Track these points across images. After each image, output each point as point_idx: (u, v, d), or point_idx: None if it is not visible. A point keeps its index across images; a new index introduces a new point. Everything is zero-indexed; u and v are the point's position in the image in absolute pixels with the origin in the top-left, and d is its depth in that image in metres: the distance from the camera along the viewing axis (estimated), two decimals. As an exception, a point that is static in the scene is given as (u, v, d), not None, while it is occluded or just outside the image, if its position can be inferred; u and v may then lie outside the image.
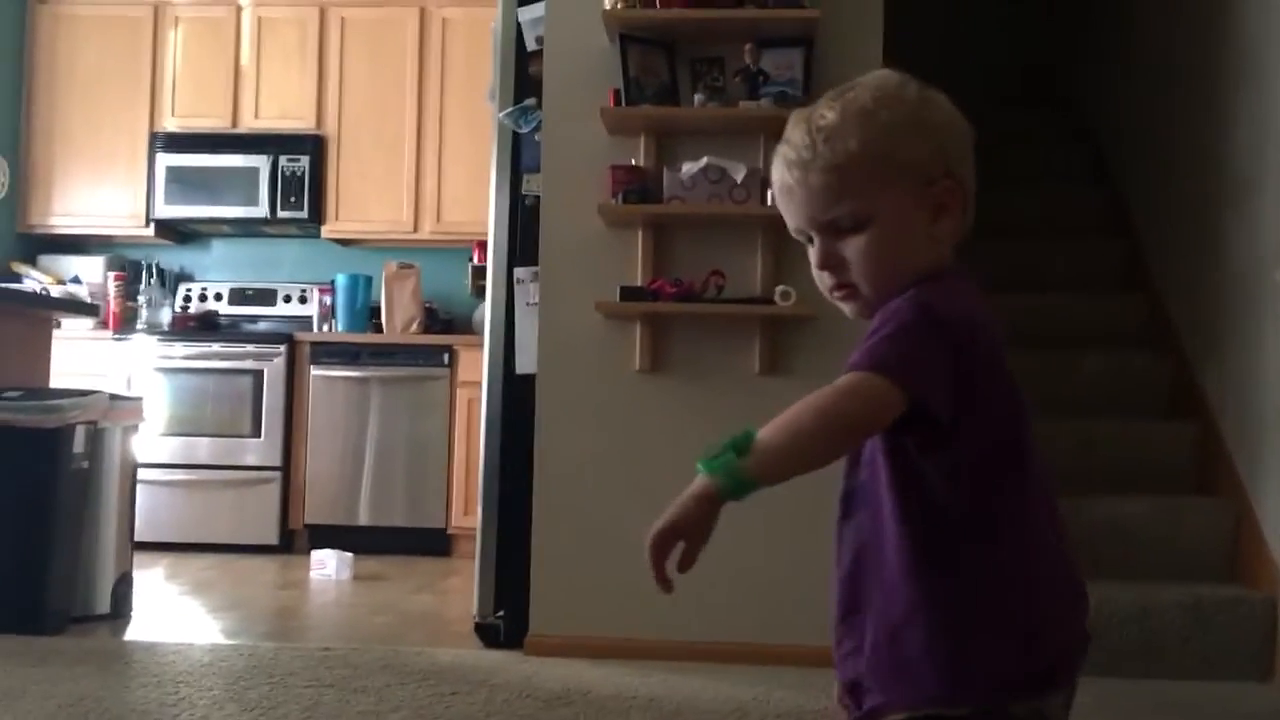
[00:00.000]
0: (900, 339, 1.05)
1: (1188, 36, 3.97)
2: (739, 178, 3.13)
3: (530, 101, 3.35)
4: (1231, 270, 3.50)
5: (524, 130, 3.37)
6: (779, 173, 1.15)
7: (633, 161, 3.20)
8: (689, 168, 3.14)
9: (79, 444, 3.38)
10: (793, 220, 1.17)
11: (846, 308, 1.17)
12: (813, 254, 1.16)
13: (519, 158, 3.40)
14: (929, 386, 1.04)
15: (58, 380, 4.03)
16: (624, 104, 3.17)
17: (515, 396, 3.34)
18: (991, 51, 5.51)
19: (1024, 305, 4.12)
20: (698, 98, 3.17)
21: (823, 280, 1.17)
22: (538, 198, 3.31)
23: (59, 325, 4.19)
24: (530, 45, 3.39)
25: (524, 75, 3.39)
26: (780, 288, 3.11)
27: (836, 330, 3.14)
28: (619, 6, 3.14)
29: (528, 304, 3.34)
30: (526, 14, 3.39)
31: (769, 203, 3.12)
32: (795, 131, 1.14)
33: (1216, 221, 3.63)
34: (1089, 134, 5.02)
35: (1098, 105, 5.03)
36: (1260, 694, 2.94)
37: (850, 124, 1.11)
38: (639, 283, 3.18)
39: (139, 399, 3.80)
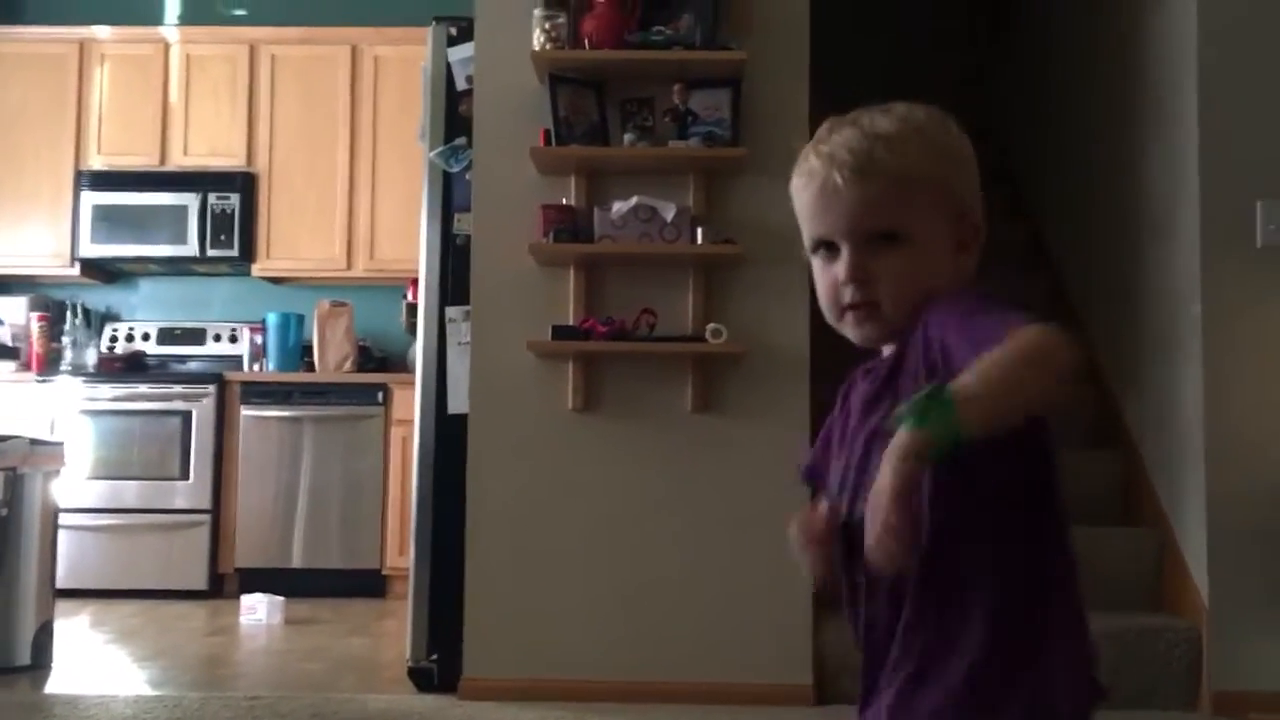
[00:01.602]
0: (991, 304, 1.03)
1: (1102, 77, 4.09)
2: (669, 216, 3.15)
3: (461, 141, 3.35)
4: (1149, 303, 3.59)
5: (454, 169, 3.37)
6: (821, 171, 1.10)
7: (563, 201, 3.21)
8: (619, 207, 3.15)
9: (-3, 491, 3.29)
10: (824, 225, 1.12)
11: (857, 330, 1.13)
12: (834, 267, 1.12)
13: (450, 196, 3.39)
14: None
15: (-24, 425, 3.93)
16: (554, 143, 3.18)
17: (448, 436, 3.31)
18: (915, 91, 5.61)
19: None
20: (627, 137, 3.19)
21: (843, 295, 1.11)
22: (469, 236, 3.31)
23: (-22, 368, 4.08)
24: (460, 85, 3.39)
25: (454, 114, 3.39)
26: (711, 325, 3.13)
27: (767, 368, 3.18)
28: (548, 47, 3.16)
29: (460, 343, 3.32)
30: (456, 54, 3.39)
31: (699, 240, 3.15)
32: (844, 133, 1.11)
33: (1134, 256, 3.72)
34: (1008, 171, 5.12)
35: (1018, 142, 5.14)
36: (1187, 721, 2.99)
37: (913, 139, 1.10)
38: (571, 321, 3.18)
39: (60, 443, 3.71)
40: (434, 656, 3.22)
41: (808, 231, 1.14)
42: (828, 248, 1.12)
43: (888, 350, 1.14)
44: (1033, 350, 0.96)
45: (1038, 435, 1.06)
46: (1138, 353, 3.69)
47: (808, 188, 1.12)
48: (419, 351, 3.43)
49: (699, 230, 3.15)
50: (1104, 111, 4.06)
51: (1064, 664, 1.07)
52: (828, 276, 1.13)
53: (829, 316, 1.15)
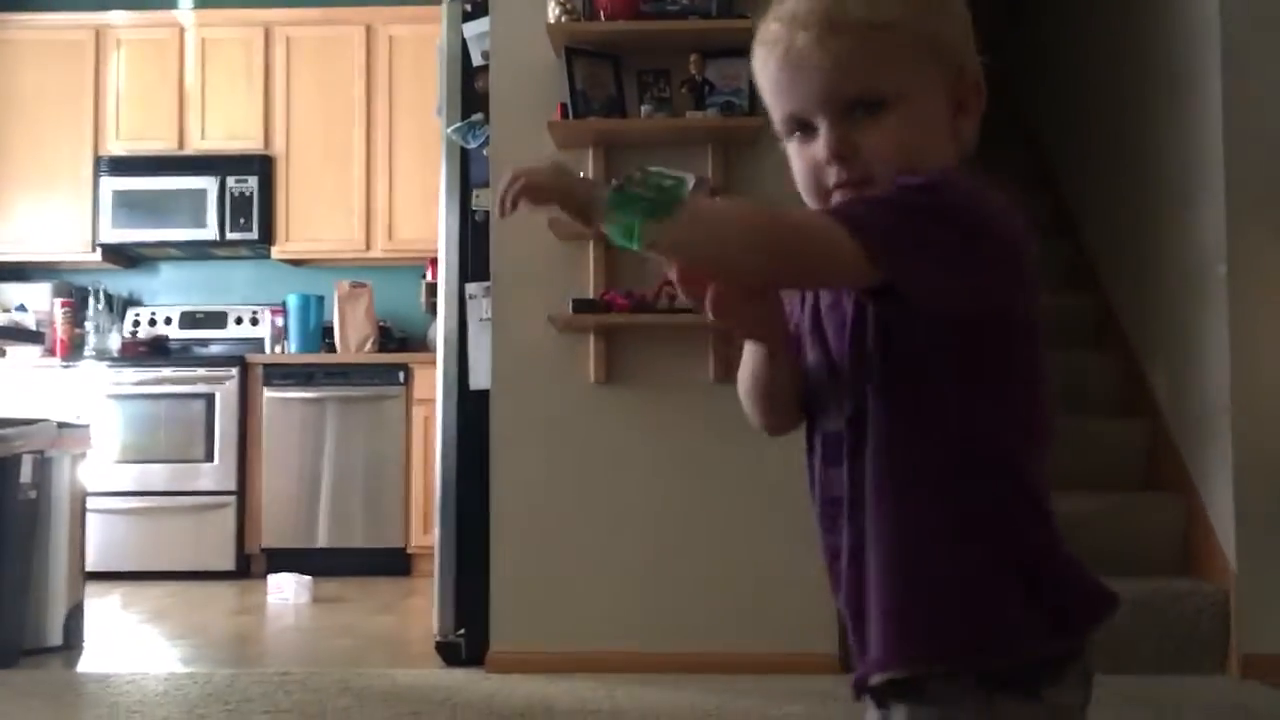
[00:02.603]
0: (903, 205, 0.88)
1: (1125, 40, 4.04)
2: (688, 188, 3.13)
3: (477, 117, 3.35)
4: (1175, 268, 3.56)
5: (472, 145, 3.36)
6: (784, 36, 0.95)
7: (581, 174, 3.20)
8: (638, 179, 3.13)
9: (26, 473, 3.32)
10: (794, 100, 0.96)
11: None
12: (812, 147, 0.97)
13: (468, 173, 3.39)
14: (911, 271, 0.87)
15: (4, 411, 3.96)
16: (571, 117, 3.17)
17: (471, 412, 3.32)
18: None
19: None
20: (645, 109, 3.18)
21: (826, 176, 0.96)
22: (488, 213, 3.30)
23: (3, 354, 4.12)
24: (476, 60, 3.38)
25: (470, 90, 3.39)
26: (732, 296, 3.12)
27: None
28: (563, 20, 3.15)
29: (480, 319, 3.33)
30: (471, 29, 3.38)
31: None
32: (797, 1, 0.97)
33: (1158, 221, 3.69)
34: (1034, 138, 5.08)
35: (1040, 107, 5.10)
36: (1216, 685, 2.98)
37: None
38: (591, 295, 3.18)
39: (87, 426, 3.74)
40: (461, 631, 3.24)
41: (776, 110, 0.99)
42: (803, 126, 0.97)
43: None
44: (762, 227, 0.87)
45: (1002, 309, 0.94)
46: (1164, 318, 3.66)
47: (770, 58, 0.98)
48: (440, 328, 3.43)
49: (717, 201, 3.13)
50: (1127, 75, 4.02)
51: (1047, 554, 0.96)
52: (805, 158, 0.98)
53: (811, 201, 0.99)
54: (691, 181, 0.91)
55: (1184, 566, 3.37)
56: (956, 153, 0.99)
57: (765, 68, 1.00)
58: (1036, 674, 0.94)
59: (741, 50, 3.43)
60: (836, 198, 0.97)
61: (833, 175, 0.96)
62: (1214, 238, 3.25)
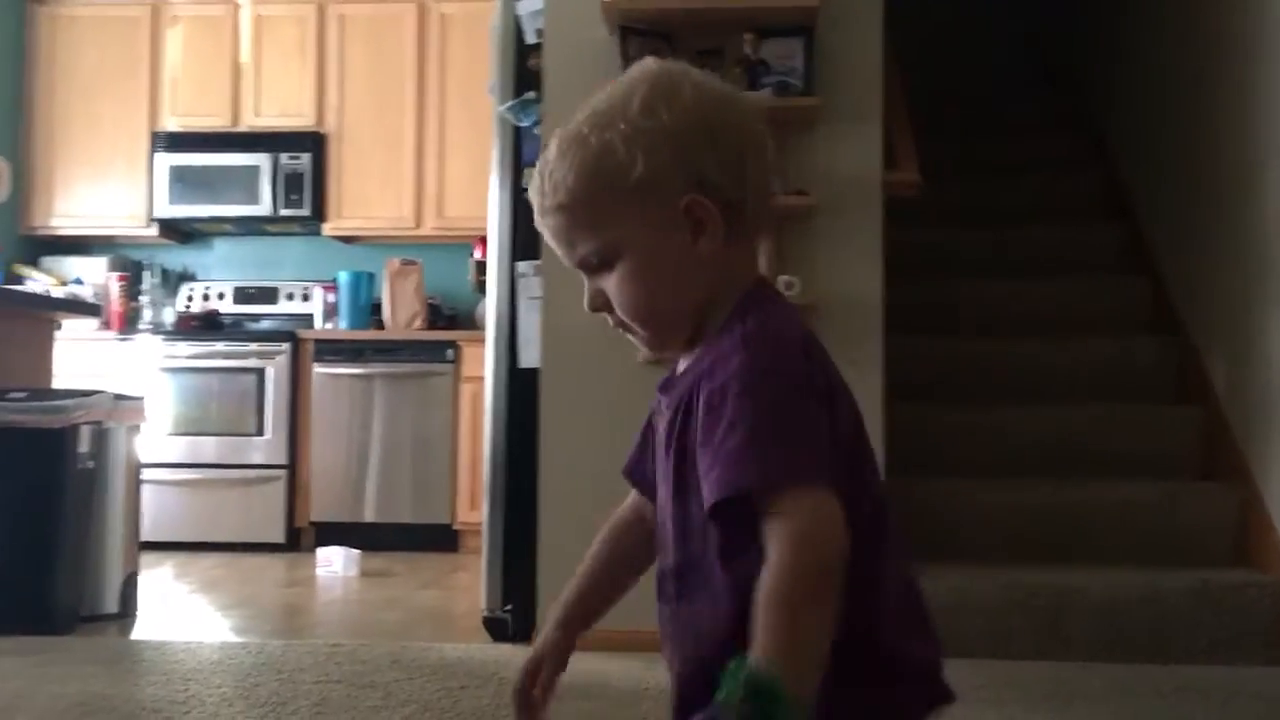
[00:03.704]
0: (772, 426, 0.91)
1: (1186, 19, 3.96)
2: (740, 168, 3.11)
3: (530, 95, 3.34)
4: (1237, 252, 3.49)
5: (524, 124, 3.36)
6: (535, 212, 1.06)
7: None
8: (690, 159, 3.12)
9: (84, 444, 3.38)
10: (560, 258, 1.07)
11: (635, 343, 1.07)
12: None
13: (520, 151, 3.39)
14: (825, 457, 0.92)
15: (62, 382, 4.04)
16: (624, 96, 3.15)
17: (519, 391, 3.34)
18: (994, 35, 5.50)
19: (1026, 290, 4.13)
20: (698, 88, 3.16)
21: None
22: (539, 191, 3.30)
23: (60, 326, 4.19)
24: (530, 38, 3.38)
25: (524, 69, 3.39)
26: (784, 278, 3.10)
27: (841, 320, 3.15)
28: (618, -2, 3.14)
29: (530, 298, 3.33)
30: (525, 7, 3.38)
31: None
32: (535, 174, 1.05)
33: (1221, 203, 3.62)
34: (1089, 118, 5.01)
35: (1098, 88, 5.01)
36: (1270, 676, 2.94)
37: (566, 157, 1.01)
38: (642, 275, 3.17)
39: (141, 399, 3.80)
40: (508, 607, 3.27)
41: None
42: None
43: (686, 357, 1.06)
44: (820, 565, 0.88)
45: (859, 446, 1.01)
46: (1222, 304, 3.60)
47: None
48: (490, 307, 3.45)
49: (774, 181, 3.11)
50: (1187, 52, 3.94)
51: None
52: None
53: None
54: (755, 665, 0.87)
55: (1239, 556, 3.32)
56: (717, 274, 1.01)
57: None
58: None
59: (796, 30, 3.39)
60: (621, 331, 1.05)
61: (608, 319, 1.05)
62: (1275, 223, 3.19)
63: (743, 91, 1.04)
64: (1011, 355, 3.90)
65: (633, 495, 1.21)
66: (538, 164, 1.05)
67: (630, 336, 1.06)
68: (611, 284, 1.02)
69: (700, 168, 0.99)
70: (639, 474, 1.17)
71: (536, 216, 1.05)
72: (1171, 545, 3.33)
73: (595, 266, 1.03)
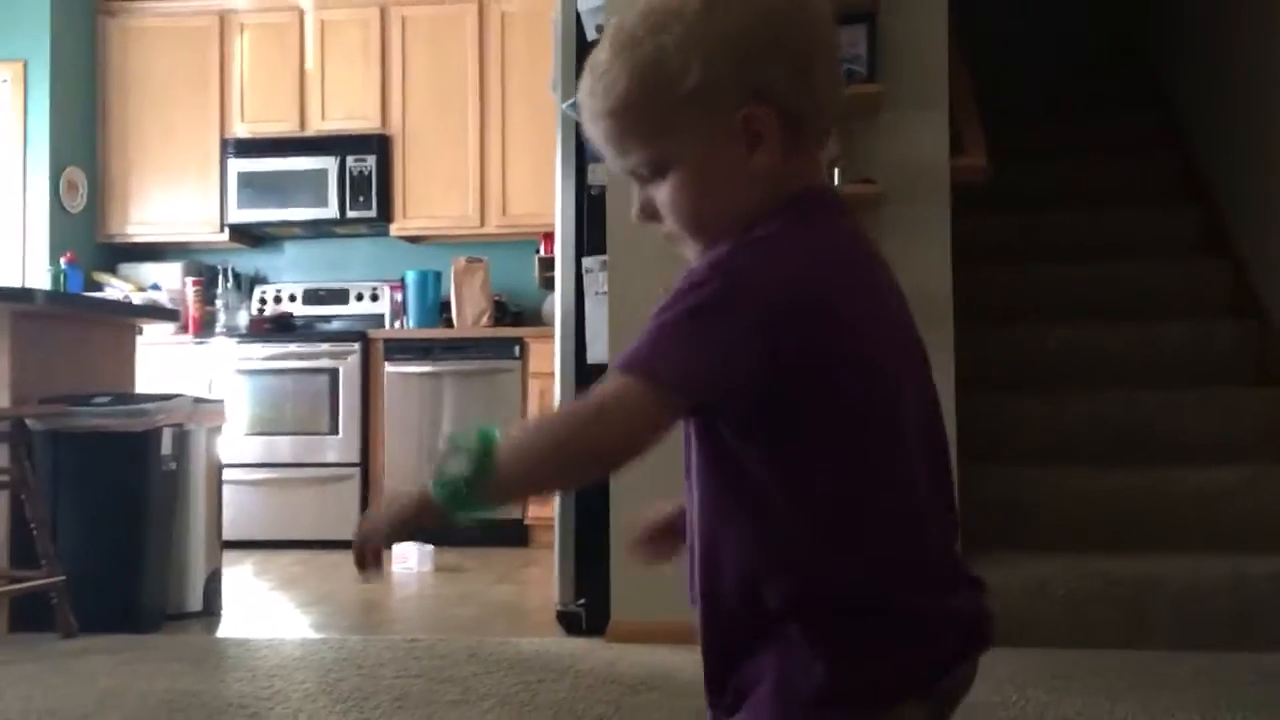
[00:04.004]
0: (679, 325, 0.89)
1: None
2: (805, 158, 3.10)
3: (593, 91, 3.35)
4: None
5: (587, 120, 3.37)
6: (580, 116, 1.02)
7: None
8: (754, 150, 3.11)
9: (166, 446, 3.47)
10: (608, 165, 1.03)
11: (685, 253, 1.02)
12: None
13: (583, 148, 3.40)
14: (709, 383, 0.89)
15: (143, 385, 4.14)
16: (687, 89, 3.15)
17: (588, 385, 3.34)
18: (1065, 15, 5.40)
19: (1103, 274, 4.06)
20: (761, 79, 3.14)
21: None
22: (603, 187, 3.32)
23: (141, 332, 4.29)
24: (590, 35, 3.39)
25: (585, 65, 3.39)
26: (850, 267, 3.08)
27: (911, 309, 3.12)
28: (678, -9, 3.13)
29: (597, 293, 3.35)
30: (585, 3, 3.39)
31: (836, 181, 3.09)
32: (585, 72, 1.00)
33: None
34: (1165, 98, 4.90)
35: (1173, 67, 4.90)
36: (1361, 665, 2.86)
37: (618, 60, 0.95)
38: (708, 268, 3.17)
39: (221, 401, 3.89)
40: (581, 601, 3.29)
41: None
42: None
43: None
44: (572, 432, 0.91)
45: (860, 369, 0.93)
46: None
47: None
48: (557, 303, 3.47)
49: (836, 170, 3.10)
50: (1258, 28, 3.84)
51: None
52: None
53: None
54: (496, 430, 0.92)
55: (1324, 542, 3.23)
56: (768, 188, 0.95)
57: None
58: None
59: (860, 16, 3.35)
60: (670, 242, 1.01)
61: (659, 228, 1.01)
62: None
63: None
64: (1089, 339, 3.84)
65: None
66: (588, 61, 0.99)
67: (680, 247, 1.01)
68: (663, 193, 0.98)
69: (761, 76, 0.93)
70: None
71: (585, 120, 1.00)
72: (1255, 531, 3.25)
73: (646, 175, 0.99)
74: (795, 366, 0.89)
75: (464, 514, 0.92)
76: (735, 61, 0.93)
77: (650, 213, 1.00)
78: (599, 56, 0.98)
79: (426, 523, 0.94)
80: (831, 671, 0.90)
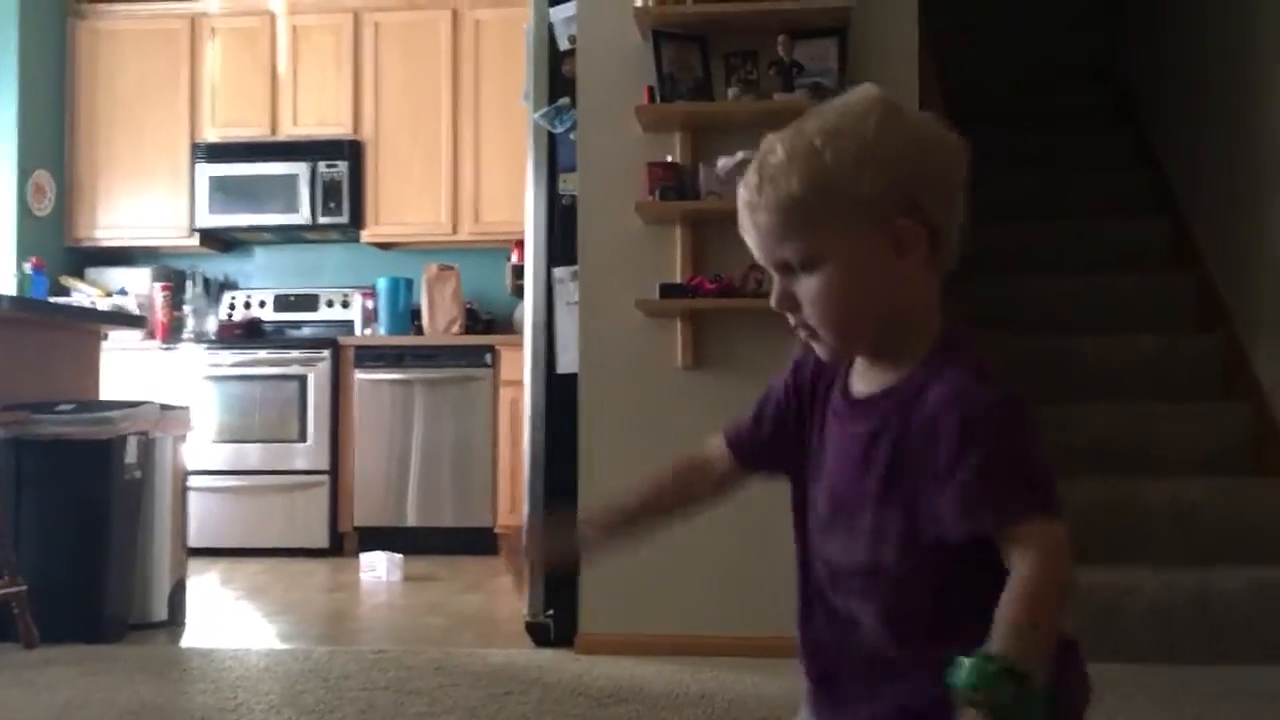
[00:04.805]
0: (1023, 460, 1.02)
1: (1227, 16, 3.90)
2: (776, 170, 3.10)
3: (564, 101, 3.35)
4: (1279, 246, 3.44)
5: (559, 130, 3.37)
6: (739, 210, 1.12)
7: (669, 158, 3.20)
8: (725, 163, 3.12)
9: (131, 454, 3.43)
10: (756, 255, 1.12)
11: (815, 348, 1.12)
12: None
13: (555, 157, 3.40)
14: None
15: (108, 392, 4.09)
16: (659, 100, 3.16)
17: (558, 395, 3.34)
18: (1031, 32, 5.44)
19: (1073, 286, 4.09)
20: (732, 92, 3.16)
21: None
22: (575, 197, 3.31)
23: (106, 338, 4.25)
24: (563, 45, 3.39)
25: (558, 75, 3.39)
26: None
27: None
28: (651, 3, 3.13)
29: (567, 303, 3.34)
30: (558, 13, 3.39)
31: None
32: (750, 170, 1.10)
33: (1266, 196, 3.56)
34: (1133, 114, 4.94)
35: (1141, 85, 4.95)
36: (1324, 678, 2.89)
37: (795, 164, 1.06)
38: (678, 279, 3.17)
39: (187, 408, 3.85)
40: (550, 612, 3.28)
41: None
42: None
43: (860, 368, 1.14)
44: (1063, 584, 0.99)
45: None
46: (1268, 297, 3.54)
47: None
48: (528, 312, 3.46)
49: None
50: (1231, 47, 3.88)
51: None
52: None
53: None
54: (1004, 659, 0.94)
55: (1291, 555, 3.26)
56: (911, 293, 1.08)
57: None
58: None
59: (830, 30, 3.38)
60: (800, 334, 1.11)
61: (790, 318, 1.11)
62: (1325, 215, 3.13)
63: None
64: (1059, 352, 3.86)
65: (718, 447, 1.28)
66: (756, 161, 1.09)
67: (811, 340, 1.11)
68: (808, 288, 1.07)
69: (917, 193, 1.06)
70: (747, 444, 1.25)
71: (744, 211, 1.09)
72: (1225, 544, 3.28)
73: (794, 269, 1.08)
74: None
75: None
76: (899, 177, 1.06)
77: (787, 305, 1.09)
78: (772, 160, 1.07)
79: None
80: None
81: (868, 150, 1.05)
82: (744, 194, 1.09)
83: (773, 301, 1.10)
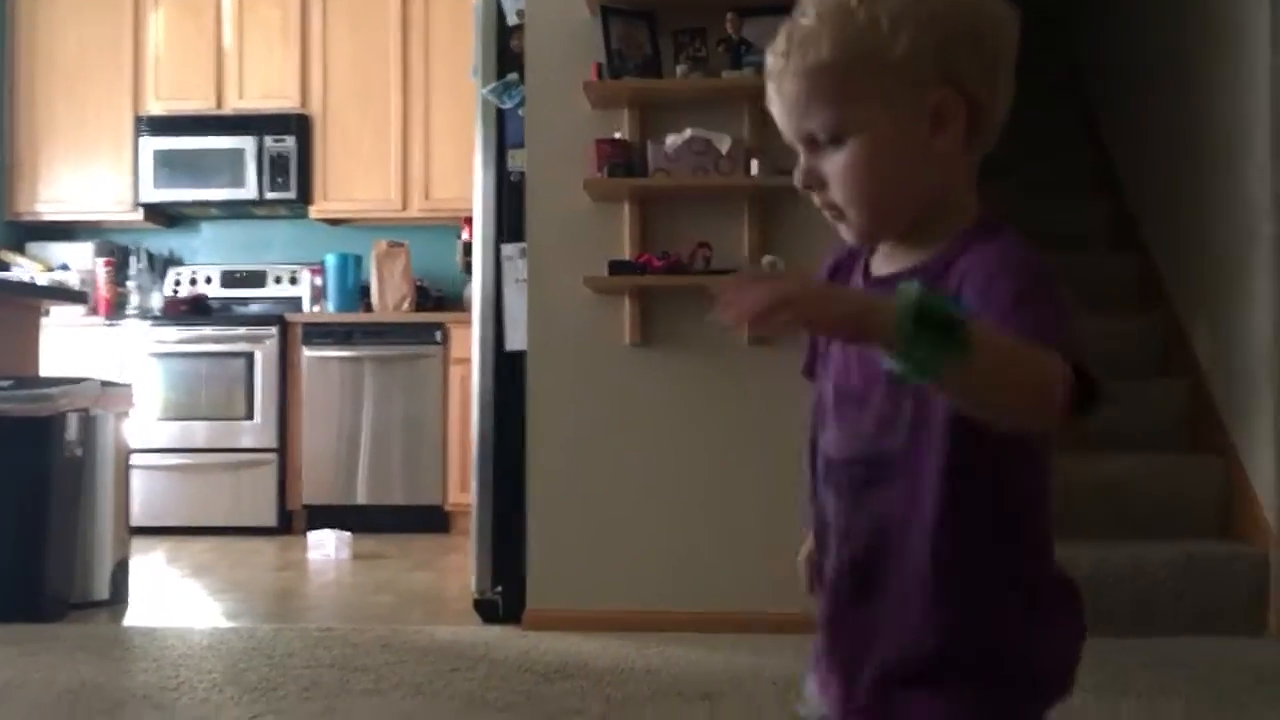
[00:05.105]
0: (1051, 305, 0.91)
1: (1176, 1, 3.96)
2: (724, 149, 3.12)
3: (513, 77, 3.33)
4: (1220, 228, 3.50)
5: (507, 106, 3.35)
6: (770, 78, 1.02)
7: (617, 135, 3.19)
8: (673, 140, 3.12)
9: (71, 431, 3.38)
10: (782, 129, 1.03)
11: (840, 229, 1.03)
12: None
13: (504, 133, 3.39)
14: (1084, 355, 0.90)
15: (51, 369, 4.03)
16: (607, 77, 3.15)
17: (507, 373, 3.34)
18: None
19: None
20: (680, 69, 3.15)
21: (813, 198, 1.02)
22: (523, 173, 3.30)
23: (47, 313, 4.18)
24: (511, 20, 3.36)
25: (506, 50, 3.37)
26: (767, 258, 3.11)
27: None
28: (599, -22, 3.12)
29: (516, 281, 3.33)
30: (506, -12, 3.36)
31: (754, 173, 3.11)
32: (779, 36, 1.01)
33: (1205, 180, 3.62)
34: (1082, 96, 5.00)
35: (1086, 62, 5.01)
36: (1253, 648, 2.97)
37: (825, 25, 0.97)
38: (627, 257, 3.17)
39: (129, 385, 3.80)
40: (498, 589, 3.28)
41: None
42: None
43: (884, 252, 1.04)
44: (1046, 374, 0.85)
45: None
46: (1207, 278, 3.61)
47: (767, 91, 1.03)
48: (476, 290, 3.45)
49: (754, 162, 3.12)
50: (1174, 32, 3.94)
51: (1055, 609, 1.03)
52: None
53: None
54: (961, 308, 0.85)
55: (1224, 529, 3.34)
56: (945, 173, 1.00)
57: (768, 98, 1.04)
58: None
59: (779, 8, 3.39)
60: (827, 214, 1.01)
61: (814, 198, 1.01)
62: (1260, 196, 3.19)
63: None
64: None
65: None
66: (785, 25, 1.00)
67: (837, 221, 1.02)
68: (835, 163, 0.98)
69: (958, 63, 0.96)
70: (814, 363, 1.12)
71: (771, 80, 1.00)
72: (1157, 518, 3.35)
73: (821, 142, 0.99)
74: None
75: (915, 363, 0.82)
76: (938, 42, 0.95)
77: (812, 182, 1.00)
78: (801, 21, 0.98)
79: (858, 334, 0.86)
80: None
81: (904, 10, 0.96)
82: (770, 61, 1.00)
83: (796, 179, 1.01)
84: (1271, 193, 3.12)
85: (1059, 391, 0.86)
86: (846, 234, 1.02)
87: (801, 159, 1.01)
